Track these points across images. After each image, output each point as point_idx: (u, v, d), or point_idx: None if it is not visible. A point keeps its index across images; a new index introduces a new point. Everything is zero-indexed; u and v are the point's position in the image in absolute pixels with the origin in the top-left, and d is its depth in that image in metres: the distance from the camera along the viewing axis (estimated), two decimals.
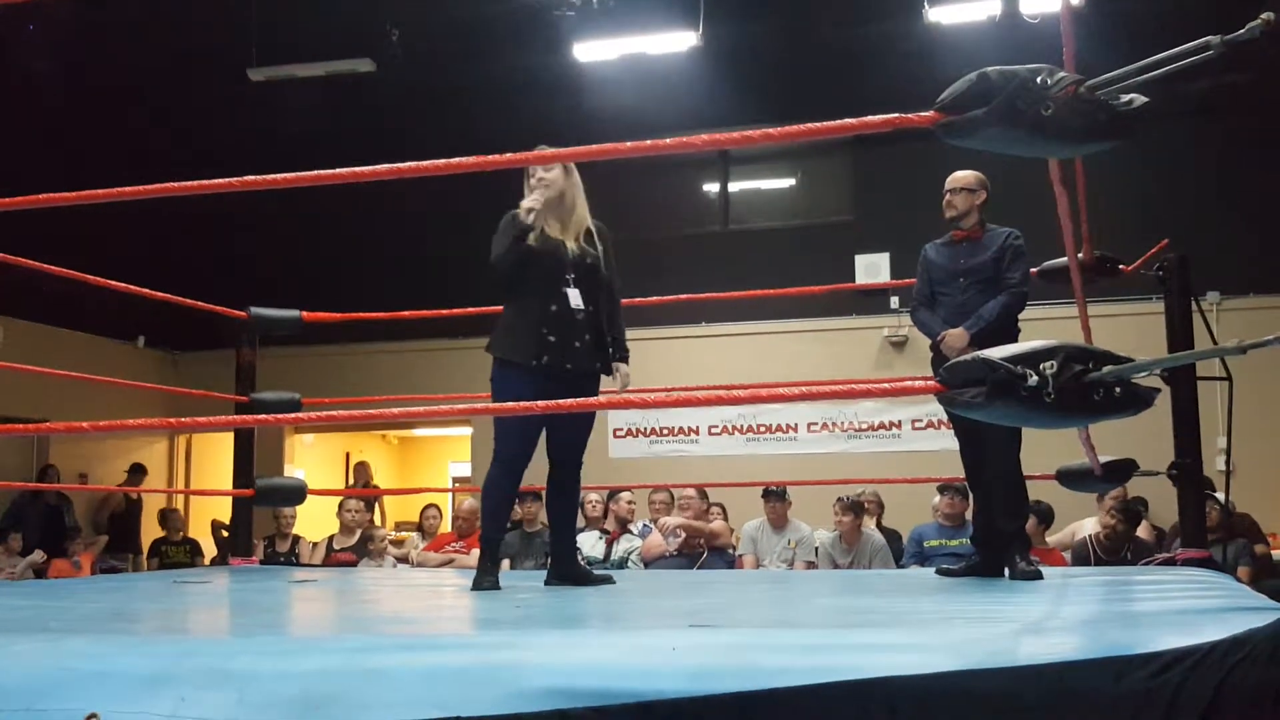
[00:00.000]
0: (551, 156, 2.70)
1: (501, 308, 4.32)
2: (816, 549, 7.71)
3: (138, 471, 11.74)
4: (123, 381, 7.41)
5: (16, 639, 2.32)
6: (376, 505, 11.82)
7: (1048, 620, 2.78)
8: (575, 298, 4.17)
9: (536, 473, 4.41)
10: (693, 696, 1.82)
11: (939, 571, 4.86)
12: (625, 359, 4.35)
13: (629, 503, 7.91)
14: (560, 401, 3.46)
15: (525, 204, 4.13)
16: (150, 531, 11.39)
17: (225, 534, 10.49)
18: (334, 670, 1.97)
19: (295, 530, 8.73)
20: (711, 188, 12.22)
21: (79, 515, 10.96)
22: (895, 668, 1.84)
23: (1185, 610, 2.79)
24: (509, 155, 2.70)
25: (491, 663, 1.96)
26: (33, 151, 10.03)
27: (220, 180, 2.82)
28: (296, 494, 6.16)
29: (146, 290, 5.32)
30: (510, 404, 3.88)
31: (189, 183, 2.88)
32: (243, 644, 2.29)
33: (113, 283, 5.04)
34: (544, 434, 4.29)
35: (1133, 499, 8.12)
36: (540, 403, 3.28)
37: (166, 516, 10.99)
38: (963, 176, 4.70)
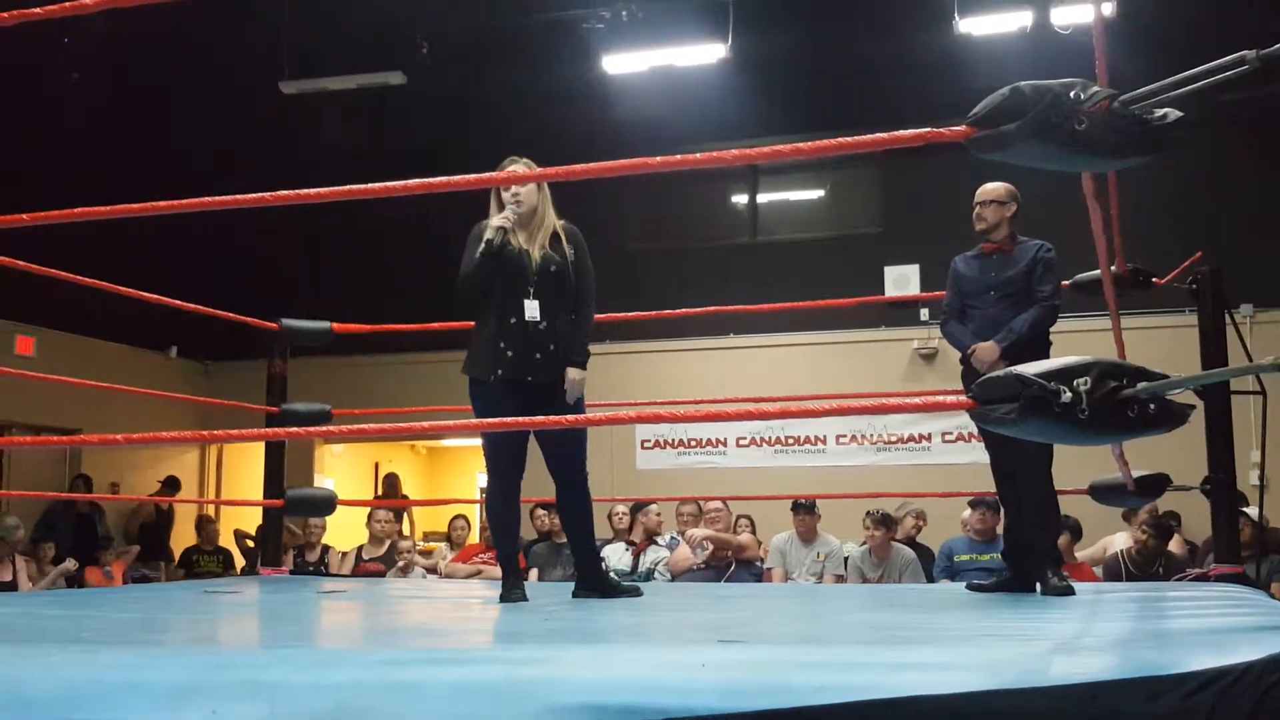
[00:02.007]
0: (582, 172, 2.70)
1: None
2: (846, 560, 7.68)
3: (171, 484, 11.82)
4: (155, 392, 7.47)
5: (50, 649, 2.34)
6: (405, 516, 11.86)
7: (1080, 638, 2.76)
8: (533, 309, 4.10)
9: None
10: (722, 714, 1.81)
11: (970, 587, 4.84)
12: (578, 364, 4.15)
13: (657, 514, 7.89)
14: (590, 416, 3.45)
15: (495, 222, 4.09)
16: (181, 541, 11.45)
17: (250, 544, 10.56)
18: (364, 683, 1.97)
19: (324, 540, 8.76)
20: (740, 199, 12.22)
21: (110, 524, 11.04)
22: (927, 686, 1.83)
23: (1219, 629, 2.76)
24: (540, 170, 2.70)
25: (521, 678, 1.96)
26: (66, 164, 10.13)
27: (254, 195, 2.84)
28: (326, 505, 6.18)
29: (179, 301, 5.37)
30: (540, 418, 3.87)
31: (222, 197, 2.90)
32: (273, 656, 2.30)
33: (145, 294, 5.09)
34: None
35: (1165, 513, 8.05)
36: (569, 417, 3.28)
37: (203, 525, 11.05)
38: (993, 189, 4.67)
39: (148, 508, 11.45)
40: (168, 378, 11.73)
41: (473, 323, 4.29)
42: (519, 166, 4.11)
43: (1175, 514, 8.51)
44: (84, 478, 10.94)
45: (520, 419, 3.82)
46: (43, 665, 2.11)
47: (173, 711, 1.93)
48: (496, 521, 4.30)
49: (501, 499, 4.24)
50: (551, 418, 3.80)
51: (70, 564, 8.70)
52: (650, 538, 7.79)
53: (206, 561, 10.50)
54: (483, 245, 4.07)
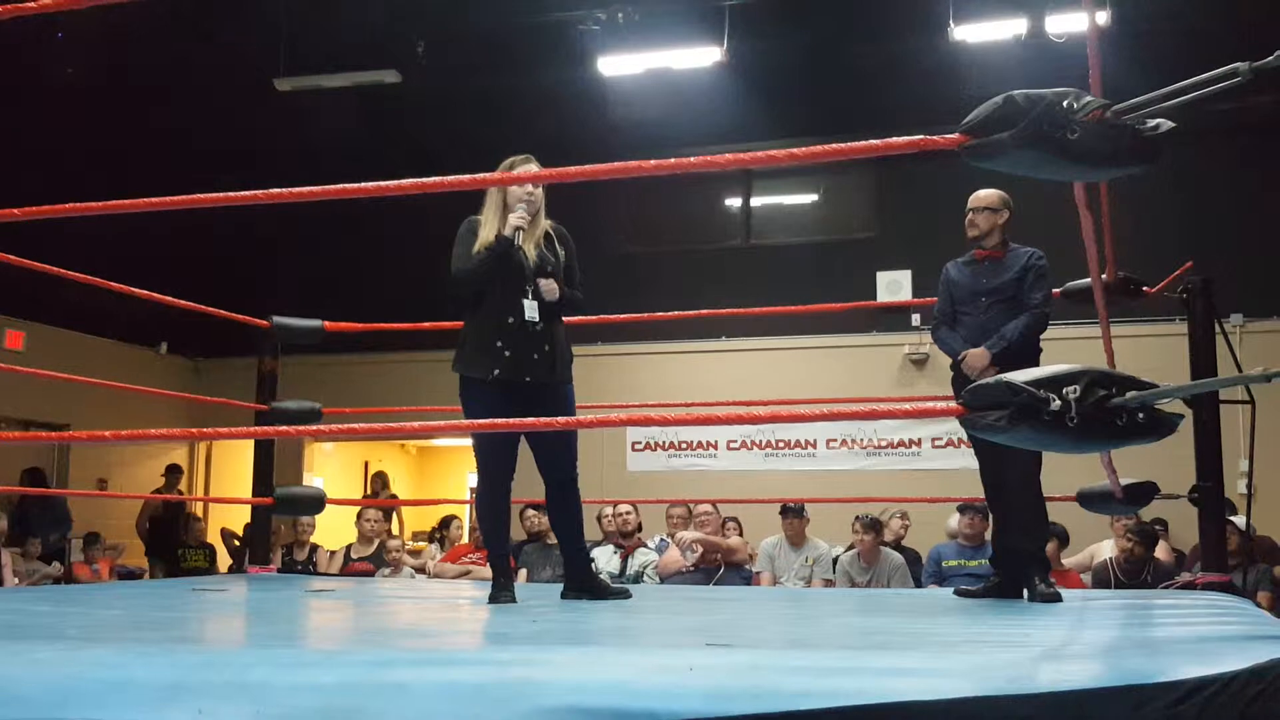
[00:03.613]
0: (575, 173, 2.70)
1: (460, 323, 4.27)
2: (835, 562, 7.68)
3: (174, 472, 11.77)
4: (144, 388, 7.44)
5: (36, 646, 2.33)
6: (394, 515, 11.85)
7: (1067, 646, 2.77)
8: (531, 309, 4.10)
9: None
10: (709, 718, 1.81)
11: (957, 592, 4.85)
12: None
13: (624, 514, 7.75)
14: (581, 418, 3.45)
15: (514, 220, 4.06)
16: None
17: (236, 543, 10.53)
18: (352, 684, 1.97)
19: (313, 539, 8.75)
20: (734, 202, 12.23)
21: (104, 519, 10.95)
22: (914, 692, 1.83)
23: (1205, 637, 2.77)
24: (532, 172, 2.71)
25: (509, 679, 1.96)
26: (59, 159, 10.10)
27: (247, 192, 2.83)
28: (315, 503, 6.17)
29: (170, 298, 5.35)
30: (530, 420, 3.87)
31: (216, 194, 2.89)
32: (261, 655, 2.30)
33: (136, 290, 5.07)
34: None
35: (1152, 520, 8.08)
36: (561, 419, 3.28)
37: (187, 522, 11.01)
38: (986, 196, 4.68)
39: (155, 503, 11.38)
40: (158, 374, 11.71)
41: (460, 322, 4.27)
42: (534, 166, 4.10)
43: (1163, 520, 8.54)
44: (33, 471, 10.65)
45: (512, 420, 3.82)
46: (29, 662, 2.11)
47: (159, 710, 1.92)
48: (487, 522, 4.29)
49: (492, 499, 4.23)
50: (542, 419, 3.80)
51: (56, 568, 8.68)
52: (626, 537, 7.74)
53: (192, 557, 10.46)
54: (495, 242, 4.05)
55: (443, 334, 6.25)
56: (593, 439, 10.08)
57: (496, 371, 4.05)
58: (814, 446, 11.15)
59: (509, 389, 4.04)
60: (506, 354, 4.05)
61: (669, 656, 2.34)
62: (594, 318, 5.64)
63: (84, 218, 3.07)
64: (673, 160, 2.60)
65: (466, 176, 2.72)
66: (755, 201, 12.17)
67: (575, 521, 4.37)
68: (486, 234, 4.11)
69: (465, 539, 9.18)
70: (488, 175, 2.70)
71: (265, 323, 5.82)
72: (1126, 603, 4.31)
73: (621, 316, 6.60)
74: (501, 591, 4.10)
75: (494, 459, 4.16)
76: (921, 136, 2.39)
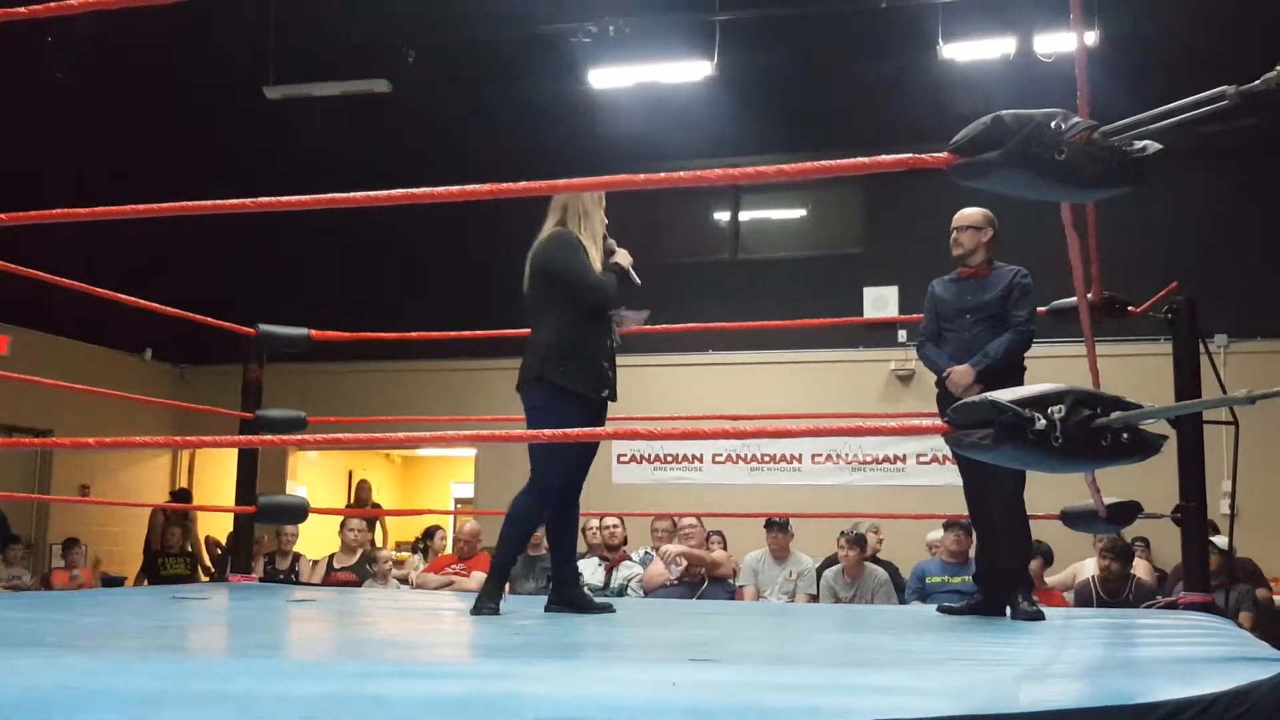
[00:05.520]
0: (565, 186, 2.70)
1: (529, 331, 4.33)
2: (819, 575, 7.67)
3: (181, 497, 11.72)
4: (129, 395, 7.41)
5: (15, 653, 2.32)
6: (377, 524, 11.81)
7: (1049, 665, 2.77)
8: (615, 333, 4.38)
9: None
10: None
11: (941, 609, 4.85)
12: None
13: (611, 527, 7.70)
14: (569, 430, 3.45)
15: (629, 257, 4.40)
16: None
17: (220, 552, 10.47)
18: (332, 695, 1.96)
19: (295, 548, 8.71)
20: (722, 216, 12.23)
21: (86, 526, 10.87)
22: (896, 710, 1.83)
23: (1187, 658, 2.77)
24: (522, 184, 2.70)
25: (490, 692, 1.95)
26: (48, 164, 10.07)
27: (234, 200, 2.83)
28: (299, 512, 6.15)
29: (156, 305, 5.33)
30: (517, 432, 3.87)
31: (203, 202, 2.89)
32: (241, 665, 2.29)
33: (121, 296, 5.05)
34: None
35: (1134, 539, 8.09)
36: (548, 430, 3.28)
37: (163, 530, 10.93)
38: (970, 214, 4.70)
39: (159, 516, 11.29)
40: (142, 380, 11.65)
41: (530, 332, 4.33)
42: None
43: (1144, 539, 8.56)
44: None
45: (514, 434, 3.87)
46: (6, 670, 2.10)
47: None
48: (522, 530, 4.32)
49: (540, 510, 4.31)
50: (538, 432, 3.86)
51: (27, 579, 8.62)
52: (611, 550, 7.71)
53: (173, 565, 10.39)
54: (618, 269, 4.35)
55: (429, 343, 6.25)
56: None
57: (605, 392, 4.24)
58: (799, 461, 11.15)
59: (593, 406, 4.21)
60: (610, 374, 4.26)
61: (653, 671, 2.34)
62: None
63: (71, 223, 3.06)
64: (662, 174, 2.60)
65: (456, 188, 2.71)
66: (743, 216, 12.18)
67: (574, 536, 4.53)
68: (594, 259, 4.29)
69: (449, 549, 9.14)
70: (478, 187, 2.69)
71: (251, 330, 5.80)
72: (1109, 622, 4.31)
73: None
74: (486, 603, 4.09)
75: (560, 473, 4.23)
76: (910, 155, 2.40)
